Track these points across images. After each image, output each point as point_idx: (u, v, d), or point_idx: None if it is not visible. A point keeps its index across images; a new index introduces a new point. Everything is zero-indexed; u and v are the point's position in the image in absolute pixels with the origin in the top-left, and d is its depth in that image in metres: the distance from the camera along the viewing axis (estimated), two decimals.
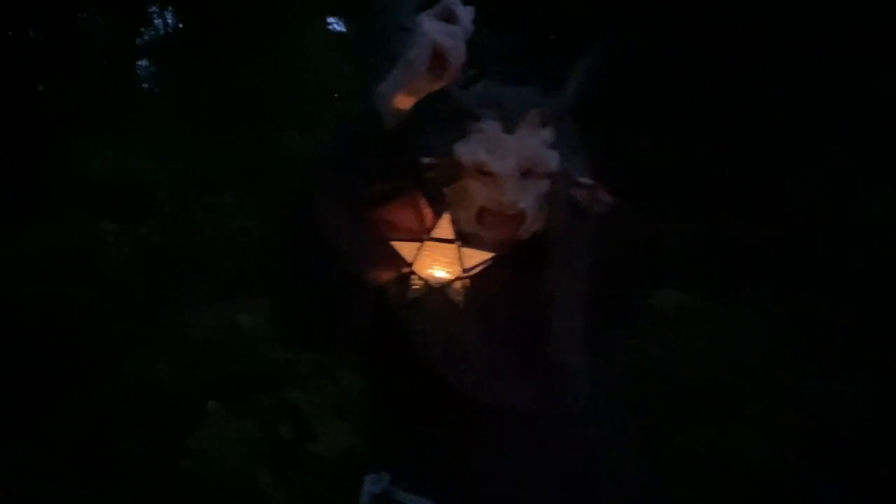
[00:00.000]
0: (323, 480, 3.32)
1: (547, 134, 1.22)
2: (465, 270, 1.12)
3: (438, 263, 1.11)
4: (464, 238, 1.23)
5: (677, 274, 3.66)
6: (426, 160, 1.21)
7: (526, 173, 1.21)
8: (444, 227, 1.12)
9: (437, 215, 1.13)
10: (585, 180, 1.25)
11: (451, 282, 1.11)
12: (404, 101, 1.08)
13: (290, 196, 1.14)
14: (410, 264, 1.10)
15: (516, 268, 1.26)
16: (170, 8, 5.54)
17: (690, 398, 3.42)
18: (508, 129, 1.21)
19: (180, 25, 5.60)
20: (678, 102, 4.34)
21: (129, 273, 4.23)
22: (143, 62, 5.79)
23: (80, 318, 4.12)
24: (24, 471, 3.93)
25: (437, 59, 1.04)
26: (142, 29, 5.49)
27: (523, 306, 1.24)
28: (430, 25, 1.04)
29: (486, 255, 1.13)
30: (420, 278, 1.10)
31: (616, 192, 1.25)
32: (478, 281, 1.21)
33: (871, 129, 3.78)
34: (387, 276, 1.10)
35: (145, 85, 5.75)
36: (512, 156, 1.19)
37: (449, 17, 1.05)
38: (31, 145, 4.44)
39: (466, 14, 1.06)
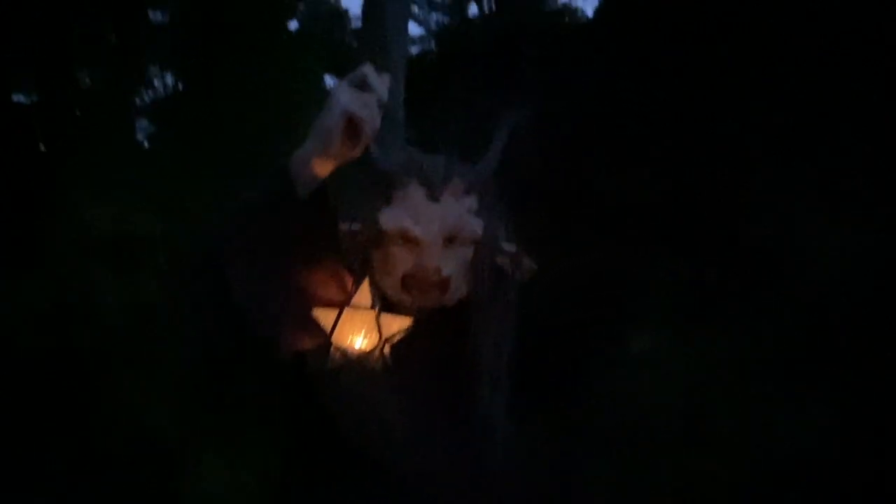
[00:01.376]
0: None
1: (471, 201, 1.20)
2: (384, 339, 1.06)
3: (357, 332, 1.05)
4: (388, 305, 1.20)
5: (650, 315, 3.64)
6: (350, 227, 1.18)
7: (450, 240, 1.18)
8: (363, 294, 1.07)
9: (357, 282, 1.08)
10: (509, 247, 1.22)
11: (369, 352, 1.05)
12: (321, 169, 1.05)
13: (200, 261, 1.10)
14: (329, 334, 1.05)
15: (441, 334, 1.22)
16: (169, 70, 5.59)
17: (666, 436, 3.38)
18: (432, 196, 1.18)
19: (179, 86, 5.64)
20: (649, 145, 4.36)
21: (127, 323, 4.19)
22: (143, 121, 5.83)
23: (77, 367, 4.07)
24: None
25: (352, 128, 1.01)
26: (142, 89, 5.53)
27: (448, 373, 1.21)
28: (343, 94, 1.02)
29: (405, 322, 1.08)
30: (338, 349, 1.04)
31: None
32: (401, 347, 1.17)
33: (835, 166, 3.78)
34: (305, 344, 1.05)
35: (145, 143, 5.78)
36: (436, 223, 1.17)
37: (363, 86, 1.02)
38: (31, 201, 4.44)
39: (381, 83, 1.04)
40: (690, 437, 3.35)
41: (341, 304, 1.06)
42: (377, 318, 1.06)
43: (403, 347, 1.18)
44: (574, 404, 1.33)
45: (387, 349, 1.07)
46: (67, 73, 5.00)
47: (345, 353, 1.04)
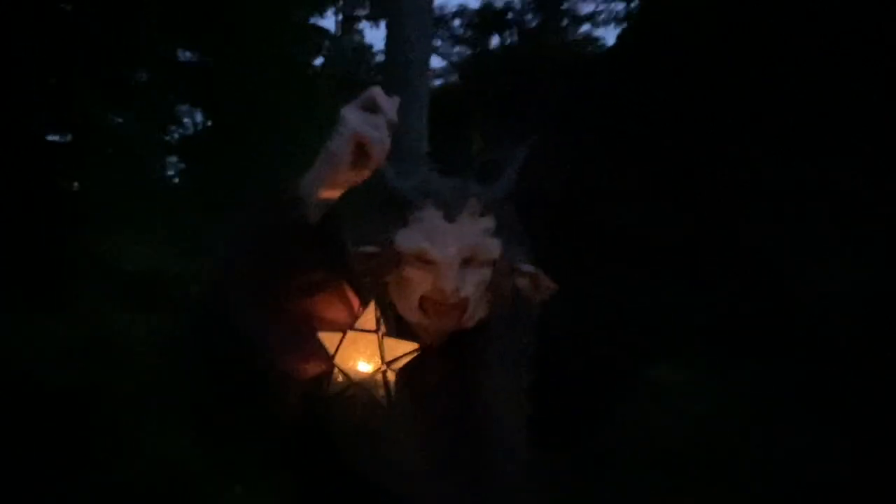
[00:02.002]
0: None
1: (488, 222, 1.17)
2: (387, 363, 1.01)
3: (361, 356, 1.00)
4: (405, 328, 1.17)
5: (671, 347, 3.58)
6: (366, 249, 1.16)
7: (467, 261, 1.15)
8: (368, 318, 1.02)
9: (364, 305, 1.04)
10: (527, 268, 1.19)
11: (372, 375, 1.00)
12: (330, 192, 1.02)
13: (205, 288, 1.07)
14: (332, 357, 1.00)
15: (458, 358, 1.19)
16: (200, 108, 5.64)
17: (684, 468, 3.30)
18: (449, 217, 1.15)
19: (209, 123, 5.69)
20: (669, 175, 4.33)
21: (153, 360, 4.18)
22: (172, 158, 5.88)
23: (103, 403, 4.07)
24: None
25: (361, 150, 0.98)
26: (171, 127, 5.58)
27: (464, 399, 1.17)
28: (351, 116, 0.98)
29: (410, 347, 1.03)
30: (341, 371, 1.00)
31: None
32: (413, 372, 1.14)
33: (860, 203, 3.73)
34: (311, 369, 1.01)
35: (175, 180, 5.83)
36: (452, 244, 1.14)
37: (372, 108, 1.00)
38: (59, 238, 4.46)
39: (391, 104, 1.01)
40: (706, 466, 3.28)
41: (345, 328, 1.01)
42: (380, 341, 1.01)
43: (422, 370, 1.15)
44: (589, 431, 1.29)
45: (390, 374, 1.02)
46: (99, 112, 5.06)
47: (347, 377, 0.99)
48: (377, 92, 1.00)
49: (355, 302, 1.03)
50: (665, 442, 3.27)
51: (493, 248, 1.16)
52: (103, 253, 4.19)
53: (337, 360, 0.99)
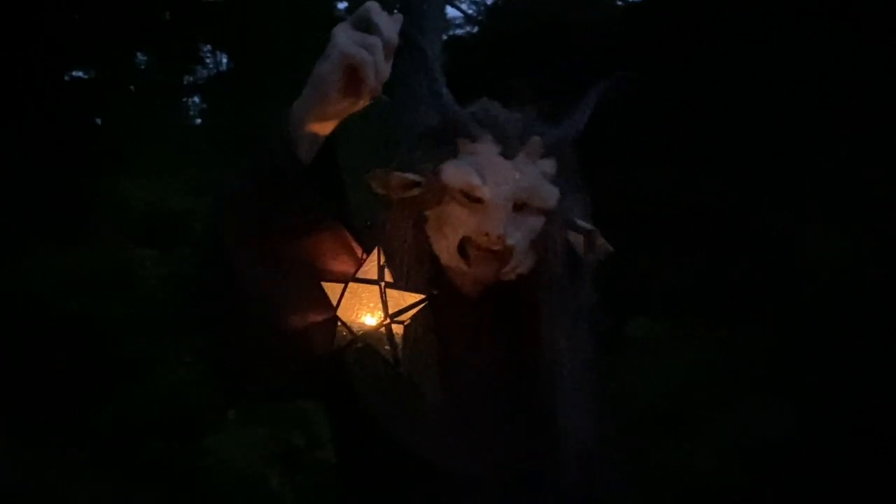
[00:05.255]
0: (329, 485, 3.13)
1: (548, 166, 0.97)
2: (390, 316, 0.85)
3: (365, 308, 0.84)
4: (441, 272, 0.99)
5: (649, 304, 3.52)
6: (408, 176, 0.96)
7: (519, 206, 0.95)
8: (371, 266, 0.85)
9: (367, 252, 0.87)
10: (584, 224, 0.99)
11: (376, 329, 0.84)
12: (321, 124, 0.83)
13: (205, 235, 0.90)
14: (335, 308, 0.84)
15: (495, 313, 1.01)
16: (223, 48, 5.42)
17: (657, 420, 3.26)
18: (507, 154, 0.96)
19: (231, 65, 5.48)
20: (659, 143, 4.22)
21: (161, 293, 4.07)
22: (193, 99, 5.69)
23: (114, 332, 3.97)
24: (55, 470, 3.79)
25: (352, 76, 0.79)
26: (194, 66, 5.37)
27: (503, 357, 1.01)
28: (341, 36, 0.79)
29: (415, 298, 0.86)
30: (344, 325, 0.84)
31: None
32: (451, 325, 0.97)
33: (838, 175, 3.68)
34: (316, 320, 0.85)
35: (197, 120, 5.64)
36: (506, 184, 0.94)
37: (366, 27, 0.81)
38: (77, 175, 4.32)
39: (389, 23, 0.81)
40: (677, 420, 3.27)
41: (348, 278, 0.85)
42: (382, 292, 0.85)
43: (454, 325, 0.98)
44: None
45: (395, 327, 0.85)
46: (124, 50, 4.87)
47: (350, 331, 0.84)
48: (372, 6, 0.81)
49: (358, 249, 0.86)
50: (639, 396, 3.19)
51: (551, 195, 0.96)
52: (119, 190, 4.05)
53: (340, 313, 0.83)
